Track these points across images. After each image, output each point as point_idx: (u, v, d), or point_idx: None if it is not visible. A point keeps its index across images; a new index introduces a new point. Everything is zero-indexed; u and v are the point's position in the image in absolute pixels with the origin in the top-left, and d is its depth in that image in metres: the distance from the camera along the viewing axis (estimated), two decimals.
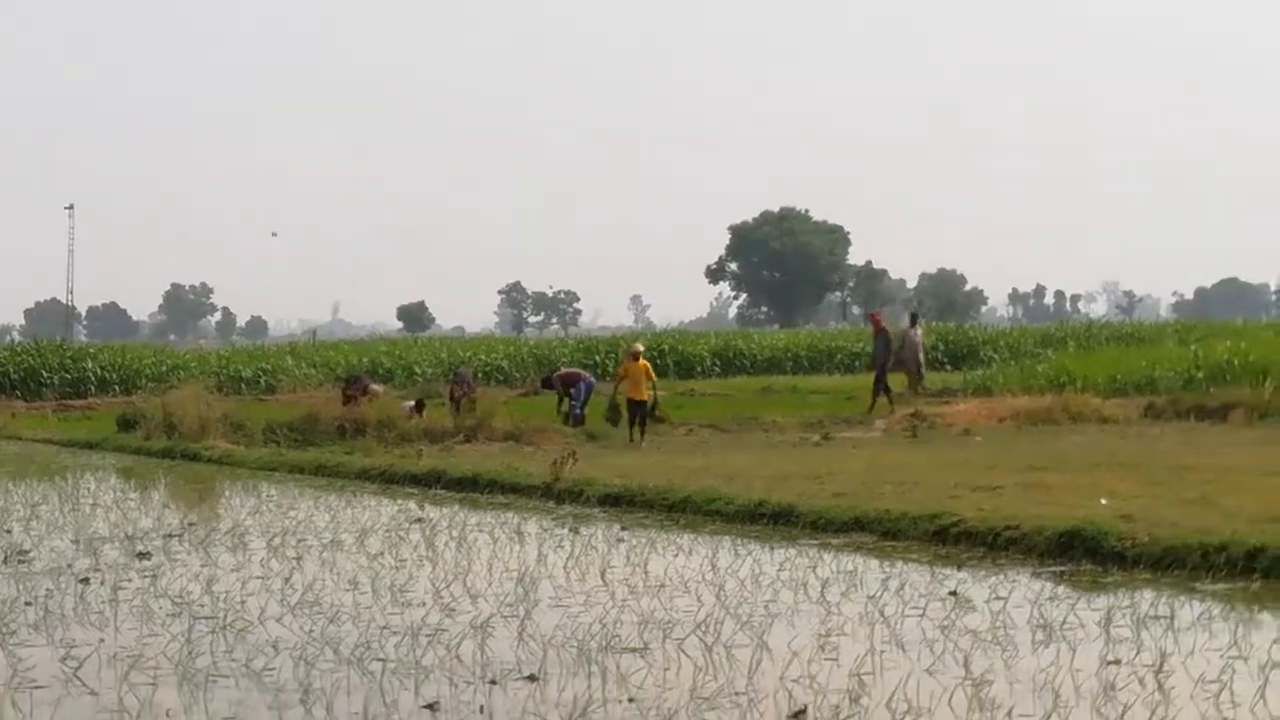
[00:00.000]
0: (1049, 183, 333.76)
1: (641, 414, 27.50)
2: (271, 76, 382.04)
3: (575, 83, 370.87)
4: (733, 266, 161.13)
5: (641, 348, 29.98)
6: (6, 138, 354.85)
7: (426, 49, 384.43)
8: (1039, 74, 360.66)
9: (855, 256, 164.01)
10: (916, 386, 36.67)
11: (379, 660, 10.36)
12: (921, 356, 37.70)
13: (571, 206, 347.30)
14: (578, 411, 31.83)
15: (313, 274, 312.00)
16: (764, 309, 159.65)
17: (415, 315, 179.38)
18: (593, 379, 34.63)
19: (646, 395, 27.87)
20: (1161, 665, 9.65)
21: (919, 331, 38.86)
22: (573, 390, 32.79)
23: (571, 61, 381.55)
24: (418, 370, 55.99)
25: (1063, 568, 13.79)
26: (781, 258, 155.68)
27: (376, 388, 37.62)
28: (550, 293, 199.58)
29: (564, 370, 37.39)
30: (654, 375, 29.61)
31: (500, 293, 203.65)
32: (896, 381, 36.79)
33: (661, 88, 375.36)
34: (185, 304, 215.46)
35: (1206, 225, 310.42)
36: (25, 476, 26.82)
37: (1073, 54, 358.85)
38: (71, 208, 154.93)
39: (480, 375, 48.55)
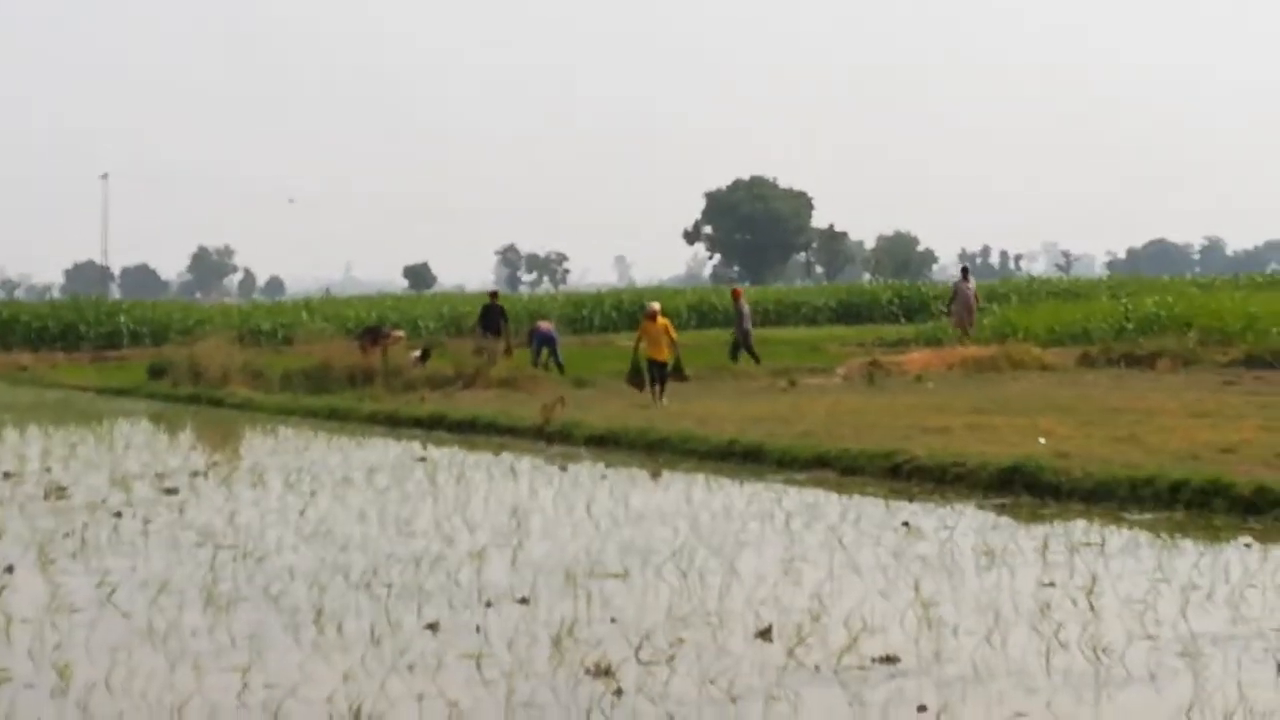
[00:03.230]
0: (995, 151, 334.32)
1: (662, 374, 24.43)
2: (292, 56, 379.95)
3: (565, 70, 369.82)
4: (708, 229, 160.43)
5: (657, 306, 26.05)
6: (45, 111, 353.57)
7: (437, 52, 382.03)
8: (989, 47, 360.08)
9: (818, 220, 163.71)
10: (967, 333, 36.06)
11: (385, 585, 10.39)
12: (973, 305, 37.15)
13: (563, 174, 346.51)
14: (533, 353, 32.72)
15: (326, 237, 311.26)
16: (736, 268, 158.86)
17: (420, 274, 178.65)
18: (553, 332, 34.32)
19: (667, 355, 24.57)
20: (1093, 587, 9.69)
21: (971, 285, 38.40)
22: (533, 335, 33.75)
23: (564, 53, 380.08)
24: (421, 323, 55.80)
25: (1004, 500, 13.83)
26: (752, 221, 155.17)
27: (399, 333, 37.58)
28: (542, 254, 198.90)
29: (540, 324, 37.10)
30: (675, 333, 25.44)
31: (497, 253, 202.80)
32: (947, 331, 36.73)
33: (646, 69, 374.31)
34: (210, 265, 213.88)
35: (1137, 190, 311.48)
36: (65, 420, 26.78)
37: (1029, 34, 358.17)
38: (106, 176, 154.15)
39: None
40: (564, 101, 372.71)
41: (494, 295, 36.28)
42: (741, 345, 34.51)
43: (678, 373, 24.92)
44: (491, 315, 33.63)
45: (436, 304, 63.81)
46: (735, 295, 37.97)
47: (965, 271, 40.14)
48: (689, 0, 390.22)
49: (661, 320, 24.95)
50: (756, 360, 33.45)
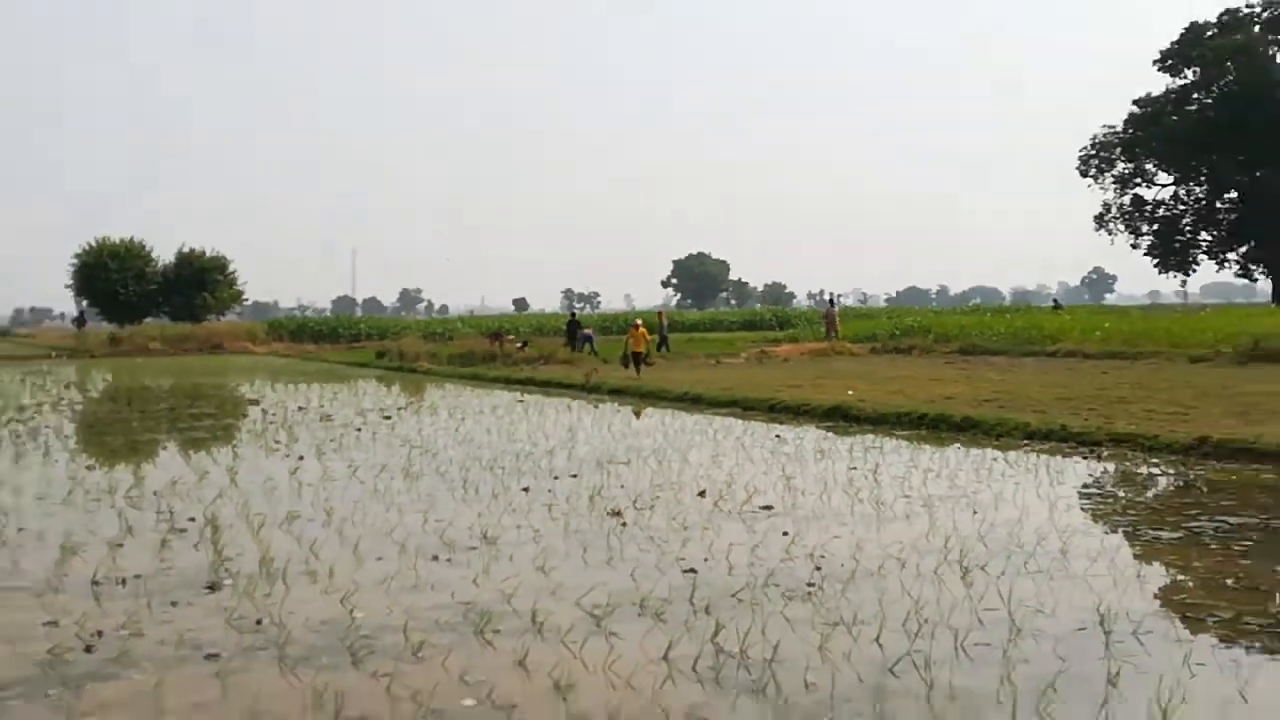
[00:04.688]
0: (825, 233, 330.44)
1: (638, 359, 24.21)
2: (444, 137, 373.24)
3: (570, 174, 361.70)
4: (673, 280, 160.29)
5: (639, 321, 26.10)
6: (314, 192, 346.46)
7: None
8: (831, 142, 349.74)
9: (733, 275, 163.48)
10: (834, 342, 34.86)
11: (500, 467, 10.35)
12: (836, 321, 35.97)
13: (597, 248, 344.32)
14: (578, 348, 31.72)
15: (470, 281, 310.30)
16: (689, 301, 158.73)
17: (521, 303, 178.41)
18: (591, 335, 33.98)
19: (643, 349, 24.50)
20: (876, 470, 9.69)
21: (836, 309, 37.38)
22: (580, 335, 32.95)
23: (560, 154, 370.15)
24: (522, 329, 55.43)
25: (831, 424, 13.78)
26: (697, 277, 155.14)
27: (511, 336, 37.49)
28: (585, 292, 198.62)
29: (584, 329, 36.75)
30: (649, 336, 25.67)
31: (561, 292, 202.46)
32: (818, 335, 35.14)
33: (647, 179, 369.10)
34: (409, 298, 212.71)
35: (884, 254, 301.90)
36: (330, 380, 26.69)
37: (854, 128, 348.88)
38: (355, 252, 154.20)
39: (555, 332, 48.22)
40: (585, 203, 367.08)
41: (573, 315, 36.03)
42: (661, 343, 34.39)
43: (645, 360, 24.97)
44: (572, 328, 33.65)
45: (531, 320, 63.74)
46: (660, 315, 37.95)
47: (832, 300, 39.48)
48: (678, 132, 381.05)
49: (641, 330, 24.99)
50: (669, 350, 33.21)
